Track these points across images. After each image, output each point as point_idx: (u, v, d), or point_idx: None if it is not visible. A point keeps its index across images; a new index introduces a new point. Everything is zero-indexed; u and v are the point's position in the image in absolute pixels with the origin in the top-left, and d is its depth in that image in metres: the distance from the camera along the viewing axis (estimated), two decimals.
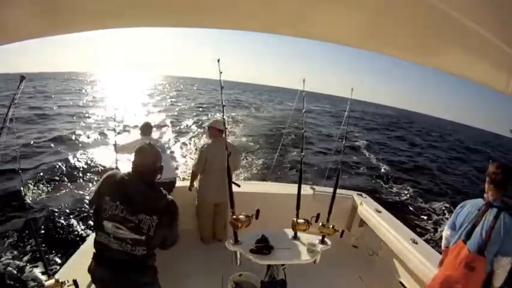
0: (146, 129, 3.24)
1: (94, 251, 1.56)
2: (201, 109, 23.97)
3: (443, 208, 8.41)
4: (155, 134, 4.41)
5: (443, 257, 2.09)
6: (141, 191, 1.51)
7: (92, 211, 1.61)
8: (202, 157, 2.97)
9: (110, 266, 1.53)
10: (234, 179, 3.15)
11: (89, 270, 1.58)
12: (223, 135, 2.81)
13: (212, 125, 3.06)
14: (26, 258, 3.82)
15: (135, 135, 3.22)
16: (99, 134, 11.71)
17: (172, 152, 9.71)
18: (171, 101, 29.85)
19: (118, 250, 1.47)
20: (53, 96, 25.09)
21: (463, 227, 1.93)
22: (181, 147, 11.09)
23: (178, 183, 3.26)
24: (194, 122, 16.58)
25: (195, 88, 61.77)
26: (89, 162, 8.15)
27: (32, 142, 9.22)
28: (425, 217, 7.82)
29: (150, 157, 1.55)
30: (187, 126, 15.70)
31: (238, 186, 2.83)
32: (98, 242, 1.52)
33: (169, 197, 1.60)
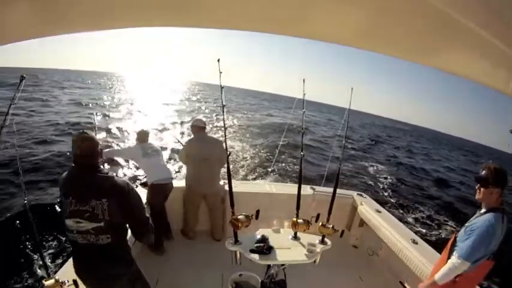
0: (142, 136, 3.27)
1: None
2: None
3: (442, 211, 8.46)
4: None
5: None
6: (85, 178, 1.52)
7: None
8: (182, 151, 3.33)
9: (82, 261, 1.60)
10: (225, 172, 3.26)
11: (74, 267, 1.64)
12: (204, 131, 3.28)
13: (193, 124, 3.35)
14: (26, 258, 3.84)
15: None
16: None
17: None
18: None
19: (83, 244, 1.51)
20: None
21: (491, 251, 1.72)
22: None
23: (177, 184, 3.26)
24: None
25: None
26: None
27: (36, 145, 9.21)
28: (424, 218, 7.88)
29: (85, 144, 1.53)
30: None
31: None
32: (69, 241, 1.57)
33: (118, 178, 1.58)
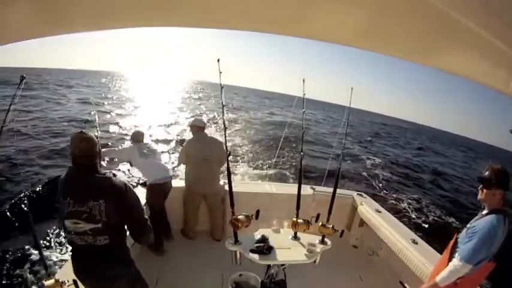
0: (137, 136, 3.27)
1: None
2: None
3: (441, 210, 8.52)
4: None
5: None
6: (83, 179, 1.50)
7: None
8: (182, 151, 3.32)
9: (80, 261, 1.60)
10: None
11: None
12: (204, 131, 3.27)
13: (192, 123, 3.33)
14: (26, 258, 3.84)
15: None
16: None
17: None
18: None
19: (81, 245, 1.51)
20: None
21: (492, 253, 1.71)
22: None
23: (177, 184, 3.26)
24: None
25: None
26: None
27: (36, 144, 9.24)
28: (417, 206, 8.03)
29: (84, 144, 1.50)
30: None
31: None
32: (68, 241, 1.58)
33: (116, 178, 1.57)
